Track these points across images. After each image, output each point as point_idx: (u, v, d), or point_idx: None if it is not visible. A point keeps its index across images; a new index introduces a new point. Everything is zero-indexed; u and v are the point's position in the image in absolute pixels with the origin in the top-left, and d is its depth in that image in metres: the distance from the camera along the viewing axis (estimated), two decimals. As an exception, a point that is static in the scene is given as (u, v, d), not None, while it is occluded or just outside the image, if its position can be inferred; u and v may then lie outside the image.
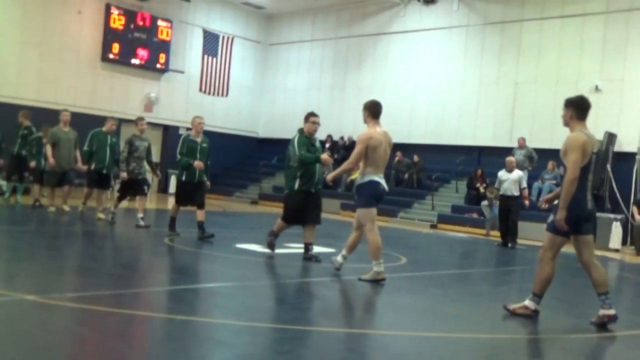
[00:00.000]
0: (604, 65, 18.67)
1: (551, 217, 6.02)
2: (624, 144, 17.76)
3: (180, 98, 24.27)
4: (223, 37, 25.29)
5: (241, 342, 4.71)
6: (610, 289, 6.02)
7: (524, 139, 18.42)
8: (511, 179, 13.90)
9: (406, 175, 21.05)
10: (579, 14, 19.18)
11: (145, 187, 11.88)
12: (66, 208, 13.10)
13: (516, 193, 13.91)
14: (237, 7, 25.93)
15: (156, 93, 23.49)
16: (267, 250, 9.19)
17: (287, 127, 25.58)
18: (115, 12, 22.03)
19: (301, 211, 8.73)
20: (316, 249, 9.11)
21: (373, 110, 7.70)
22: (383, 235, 7.70)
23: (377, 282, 7.33)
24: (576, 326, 6.09)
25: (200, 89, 24.76)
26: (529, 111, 19.69)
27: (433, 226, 18.44)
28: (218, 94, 25.14)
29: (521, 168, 18.35)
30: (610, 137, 17.61)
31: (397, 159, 21.55)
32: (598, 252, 14.54)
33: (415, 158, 21.08)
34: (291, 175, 8.76)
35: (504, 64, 20.66)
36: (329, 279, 7.73)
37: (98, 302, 5.49)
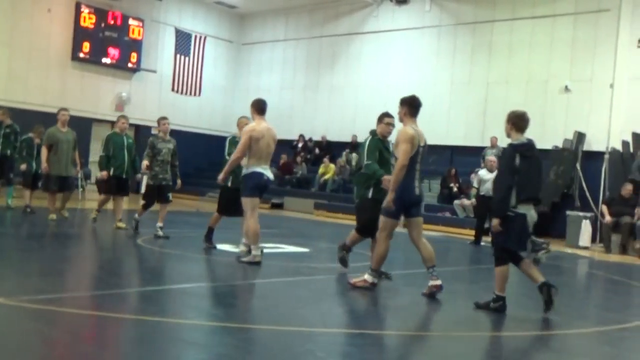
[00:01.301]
0: (573, 65, 18.94)
1: (384, 204, 6.93)
2: (593, 143, 18.03)
3: (152, 98, 24.06)
4: (195, 37, 25.14)
5: (213, 342, 4.68)
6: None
7: (496, 138, 18.60)
8: (493, 179, 13.82)
9: (379, 175, 21.12)
10: (549, 15, 19.42)
11: (169, 195, 10.57)
12: (65, 214, 12.04)
13: None
14: (209, 6, 25.79)
15: (128, 92, 23.26)
16: (340, 266, 8.15)
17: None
18: (85, 10, 21.76)
19: (376, 222, 7.24)
20: (289, 249, 9.08)
21: (257, 107, 8.37)
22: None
23: (254, 264, 8.04)
24: (548, 323, 6.16)
25: (173, 89, 24.58)
26: (500, 111, 19.69)
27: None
28: (191, 94, 24.98)
29: (493, 168, 18.56)
30: (580, 137, 17.86)
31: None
32: (568, 250, 14.79)
33: (389, 157, 21.15)
34: (363, 182, 7.74)
35: (476, 64, 20.85)
36: (302, 278, 7.73)
37: (69, 304, 5.42)
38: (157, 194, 10.37)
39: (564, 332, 5.91)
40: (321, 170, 21.99)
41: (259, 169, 8.07)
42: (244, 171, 8.20)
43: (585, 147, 18.00)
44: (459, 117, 20.79)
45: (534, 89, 19.47)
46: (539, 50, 19.55)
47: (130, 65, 23.12)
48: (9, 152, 13.09)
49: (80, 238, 10.72)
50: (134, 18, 23.06)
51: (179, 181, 10.77)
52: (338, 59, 24.26)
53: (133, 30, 23.01)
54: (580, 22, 18.90)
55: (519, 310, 6.56)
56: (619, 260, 13.58)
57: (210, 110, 25.90)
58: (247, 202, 8.11)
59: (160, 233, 10.12)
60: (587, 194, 16.90)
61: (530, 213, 6.27)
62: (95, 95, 22.27)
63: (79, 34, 21.66)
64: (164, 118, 10.67)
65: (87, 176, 19.64)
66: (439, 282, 6.84)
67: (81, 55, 21.80)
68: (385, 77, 22.69)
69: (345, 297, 7.00)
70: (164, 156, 10.33)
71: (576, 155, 17.73)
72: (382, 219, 6.98)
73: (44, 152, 11.72)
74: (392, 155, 7.50)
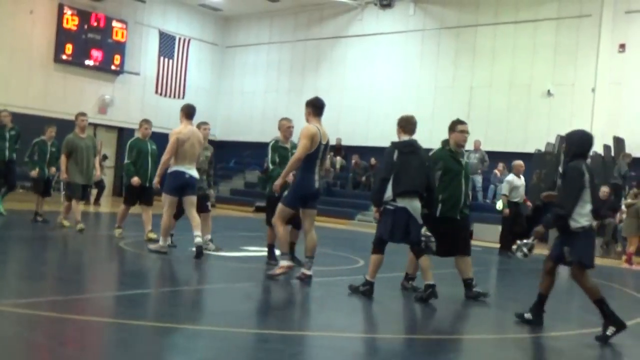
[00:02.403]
0: (555, 70, 19.11)
1: (286, 193, 7.51)
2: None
3: (135, 100, 23.94)
4: (179, 39, 25.05)
5: (196, 346, 4.66)
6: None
7: (479, 142, 18.71)
8: (523, 184, 13.25)
9: (363, 178, 21.16)
10: (531, 20, 19.59)
11: (209, 204, 9.73)
12: (66, 224, 11.19)
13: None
14: (193, 8, 25.72)
15: (111, 95, 23.12)
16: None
17: (244, 130, 25.45)
18: (68, 12, 21.61)
19: (448, 241, 7.04)
20: (264, 254, 8.98)
21: (186, 111, 9.05)
22: (341, 237, 7.78)
23: (161, 253, 8.58)
24: (531, 326, 6.19)
25: (156, 91, 24.47)
26: (483, 114, 20.00)
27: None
28: (174, 96, 24.86)
29: (474, 171, 18.67)
30: (562, 140, 17.99)
31: (354, 161, 21.66)
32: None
33: (372, 161, 21.20)
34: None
35: (459, 68, 20.96)
36: (285, 281, 7.71)
37: (49, 307, 5.37)
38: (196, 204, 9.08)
39: (546, 334, 5.95)
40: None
41: (182, 168, 8.64)
42: (168, 170, 8.72)
43: (567, 151, 18.14)
44: (442, 121, 20.62)
45: (517, 93, 19.62)
46: (522, 54, 19.70)
47: (113, 67, 22.98)
48: (14, 155, 12.44)
49: (100, 251, 10.62)
50: (118, 20, 22.94)
51: (211, 192, 10.27)
52: (323, 62, 24.29)
53: (116, 32, 22.89)
54: (563, 27, 19.08)
55: (500, 313, 6.59)
56: (600, 263, 13.68)
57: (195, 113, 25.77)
58: (164, 198, 8.67)
59: (211, 246, 9.37)
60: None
61: (412, 205, 6.75)
62: (78, 98, 22.09)
63: (62, 36, 21.51)
64: (205, 123, 9.82)
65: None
66: (310, 273, 7.49)
67: (64, 57, 21.65)
68: (369, 80, 22.76)
69: (325, 301, 6.99)
70: (201, 164, 9.42)
71: (558, 159, 17.86)
72: (280, 207, 7.44)
73: (63, 160, 10.89)
74: (463, 166, 7.24)
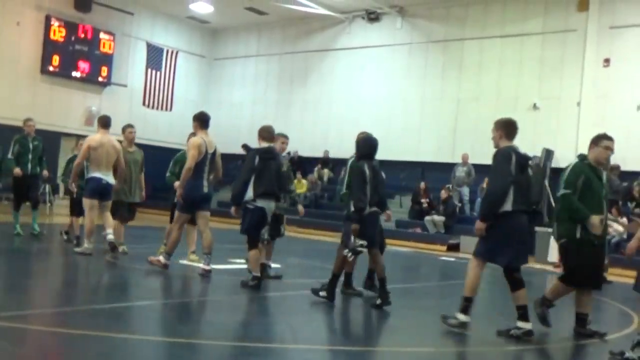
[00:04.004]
0: (541, 83, 19.27)
1: (176, 199, 8.32)
2: (561, 160, 18.28)
3: (122, 112, 23.76)
4: (167, 51, 25.04)
5: (182, 358, 4.63)
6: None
7: (467, 155, 18.82)
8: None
9: (351, 190, 21.16)
10: (517, 34, 19.77)
11: (282, 228, 8.96)
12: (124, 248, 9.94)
13: None
14: (181, 21, 25.74)
15: (98, 107, 23.02)
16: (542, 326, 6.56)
17: (232, 142, 25.27)
18: (55, 23, 21.56)
19: (587, 269, 6.26)
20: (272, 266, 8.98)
21: (102, 122, 9.71)
22: (330, 250, 7.81)
23: (86, 255, 9.10)
24: (517, 338, 6.20)
25: (144, 103, 24.40)
26: (470, 128, 20.11)
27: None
28: (162, 108, 24.82)
29: (461, 184, 18.76)
30: (548, 153, 18.12)
31: (342, 174, 21.67)
32: (537, 266, 14.91)
33: (360, 173, 21.26)
34: (567, 219, 6.31)
35: (446, 81, 21.09)
36: (273, 294, 7.69)
37: (35, 321, 5.32)
38: (260, 226, 8.32)
39: (534, 347, 5.95)
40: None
41: (98, 175, 9.20)
42: (86, 176, 9.41)
43: (554, 164, 18.25)
44: (430, 133, 20.97)
45: (503, 106, 19.72)
46: (509, 68, 19.86)
47: (100, 79, 22.92)
48: (38, 169, 11.48)
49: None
50: (105, 32, 22.90)
51: (300, 207, 10.05)
52: (310, 74, 24.36)
53: (104, 44, 22.85)
54: (548, 41, 19.27)
55: (485, 325, 6.59)
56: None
57: (182, 125, 25.57)
58: (85, 202, 9.24)
59: (277, 274, 8.91)
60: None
61: (269, 206, 7.70)
62: (64, 109, 22.02)
63: (49, 47, 21.44)
64: (284, 136, 9.10)
65: (55, 190, 19.32)
66: (209, 268, 8.23)
67: (51, 68, 21.57)
68: (357, 93, 22.83)
69: (316, 314, 6.97)
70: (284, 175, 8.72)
71: (544, 172, 17.95)
72: (177, 214, 8.40)
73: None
74: (603, 185, 6.41)
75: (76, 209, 10.49)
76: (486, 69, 20.27)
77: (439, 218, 17.72)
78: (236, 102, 26.20)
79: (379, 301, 7.01)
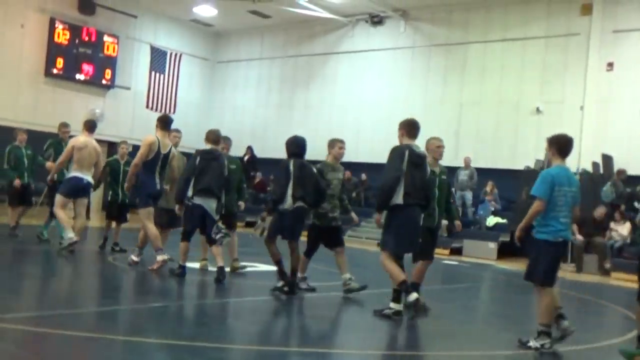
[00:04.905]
0: (544, 87, 19.25)
1: (137, 200, 8.77)
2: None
3: (126, 114, 23.89)
4: (171, 54, 25.07)
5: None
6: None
7: (469, 159, 18.79)
8: None
9: (354, 194, 21.17)
10: (520, 38, 19.76)
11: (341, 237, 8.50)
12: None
13: None
14: (185, 24, 25.78)
15: (101, 109, 23.07)
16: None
17: (234, 144, 25.32)
18: (59, 26, 21.60)
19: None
20: (263, 267, 8.99)
21: (87, 125, 10.08)
22: (331, 254, 7.83)
23: (71, 245, 9.40)
24: (520, 343, 6.19)
25: (147, 106, 24.41)
26: (472, 131, 20.10)
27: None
28: (165, 111, 24.82)
29: (464, 188, 18.72)
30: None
31: (345, 177, 21.68)
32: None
33: (363, 177, 21.26)
34: None
35: (449, 84, 21.09)
36: (265, 298, 7.69)
37: (37, 323, 5.33)
38: (326, 237, 8.20)
39: (533, 352, 5.95)
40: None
41: (79, 174, 9.66)
42: (66, 174, 9.86)
43: (557, 168, 18.25)
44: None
45: (506, 110, 19.74)
46: (511, 72, 19.85)
47: (104, 81, 22.95)
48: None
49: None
50: (109, 35, 22.94)
51: (354, 215, 9.27)
52: (313, 78, 24.37)
53: (108, 46, 22.88)
54: (551, 45, 19.26)
55: (487, 330, 6.59)
56: (590, 280, 13.74)
57: (185, 127, 25.49)
58: (59, 199, 9.62)
59: (355, 285, 8.04)
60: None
61: (208, 204, 8.23)
62: (67, 112, 21.95)
63: (53, 50, 21.47)
64: (340, 141, 8.76)
65: (39, 192, 19.20)
66: (137, 259, 8.91)
67: (55, 71, 21.60)
68: (360, 96, 22.84)
69: (309, 315, 6.97)
70: (334, 189, 8.25)
71: (547, 176, 17.92)
72: (141, 211, 8.69)
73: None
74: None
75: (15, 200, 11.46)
76: (489, 73, 20.25)
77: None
78: (239, 105, 26.22)
79: (286, 288, 7.57)
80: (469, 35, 20.83)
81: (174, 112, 25.04)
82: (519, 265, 13.59)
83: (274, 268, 9.35)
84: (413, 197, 6.60)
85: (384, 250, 6.79)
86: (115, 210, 10.77)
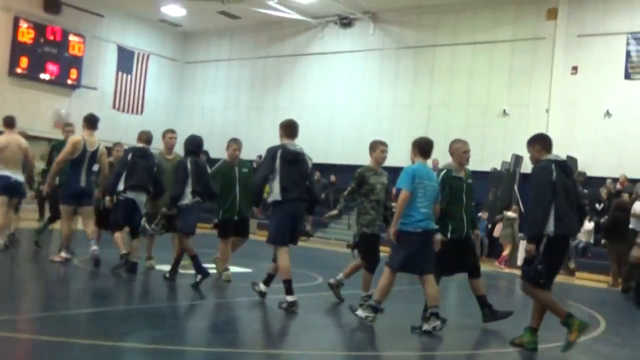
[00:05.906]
0: (511, 90, 19.53)
1: (44, 192, 9.36)
2: (530, 166, 18.46)
3: (92, 115, 23.56)
4: (138, 54, 24.83)
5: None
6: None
7: (437, 161, 18.92)
8: None
9: (323, 195, 21.19)
10: (488, 41, 20.01)
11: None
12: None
13: None
14: (153, 24, 25.55)
15: (67, 109, 22.73)
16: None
17: (204, 146, 25.28)
18: (24, 25, 21.25)
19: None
20: (232, 269, 8.96)
21: (7, 122, 10.01)
22: (300, 255, 7.82)
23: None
24: (486, 342, 6.26)
25: (114, 106, 24.15)
26: (441, 134, 20.25)
27: (349, 246, 18.56)
28: (132, 112, 24.59)
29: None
30: (517, 159, 18.36)
31: (314, 179, 21.70)
32: (506, 270, 15.03)
33: (332, 178, 21.28)
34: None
35: (418, 87, 21.25)
36: (244, 299, 7.65)
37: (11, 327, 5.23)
38: (372, 249, 7.87)
39: (504, 351, 6.01)
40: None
41: (7, 172, 9.63)
42: None
43: (523, 170, 18.49)
44: (401, 139, 21.00)
45: (474, 112, 19.96)
46: (479, 75, 20.09)
47: (70, 81, 22.64)
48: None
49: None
50: (75, 34, 22.63)
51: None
52: (283, 79, 24.36)
53: (73, 46, 22.57)
54: (518, 49, 19.54)
55: (451, 331, 6.64)
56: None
57: (153, 128, 24.63)
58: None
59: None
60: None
61: (139, 197, 8.60)
62: (33, 112, 21.65)
63: (17, 49, 21.12)
64: (382, 143, 8.18)
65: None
66: (69, 256, 9.00)
67: (18, 70, 21.25)
68: (329, 98, 22.89)
69: (285, 317, 6.96)
70: (377, 194, 7.70)
71: (514, 178, 18.21)
72: (61, 207, 9.06)
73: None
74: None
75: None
76: (457, 75, 20.47)
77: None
78: (208, 106, 26.09)
79: (198, 278, 7.85)
80: (437, 38, 21.02)
81: (142, 113, 24.83)
82: (485, 266, 13.73)
83: (247, 270, 9.34)
84: (291, 192, 7.09)
85: (271, 245, 7.19)
86: (105, 217, 9.45)
